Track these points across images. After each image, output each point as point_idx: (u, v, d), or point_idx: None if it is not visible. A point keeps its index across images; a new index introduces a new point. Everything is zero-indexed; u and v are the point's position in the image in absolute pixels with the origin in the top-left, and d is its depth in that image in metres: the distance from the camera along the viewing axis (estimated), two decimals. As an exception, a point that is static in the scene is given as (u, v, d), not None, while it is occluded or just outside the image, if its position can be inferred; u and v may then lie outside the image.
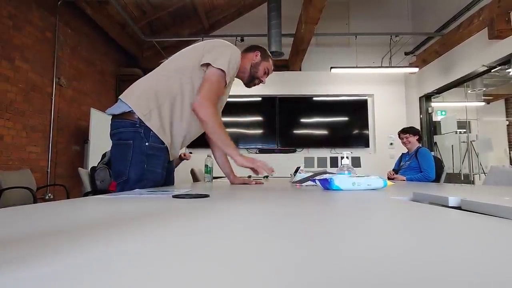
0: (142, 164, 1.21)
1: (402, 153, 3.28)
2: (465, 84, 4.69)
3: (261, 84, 1.54)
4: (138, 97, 1.23)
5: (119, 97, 1.26)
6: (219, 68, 1.25)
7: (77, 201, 0.66)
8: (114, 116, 1.24)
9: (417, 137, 3.08)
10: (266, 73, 1.52)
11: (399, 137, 3.17)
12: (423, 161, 2.88)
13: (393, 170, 3.22)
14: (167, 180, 1.43)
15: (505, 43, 3.55)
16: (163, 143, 1.26)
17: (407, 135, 3.08)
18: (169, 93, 1.25)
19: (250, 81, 1.51)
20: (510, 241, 0.30)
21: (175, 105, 1.27)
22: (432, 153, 5.13)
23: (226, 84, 1.30)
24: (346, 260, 0.22)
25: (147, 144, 1.21)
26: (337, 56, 5.63)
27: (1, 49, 3.34)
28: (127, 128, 1.21)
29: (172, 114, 1.27)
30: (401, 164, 3.17)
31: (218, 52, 1.29)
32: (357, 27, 5.54)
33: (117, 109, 1.23)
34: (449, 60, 4.57)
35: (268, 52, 1.54)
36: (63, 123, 4.25)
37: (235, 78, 1.48)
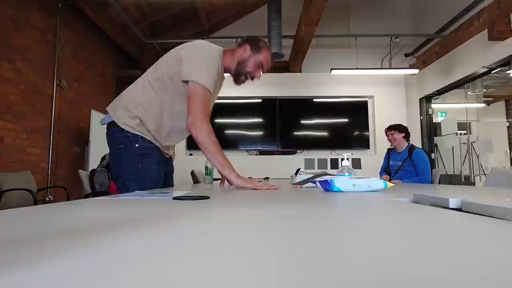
0: (136, 164, 1.26)
1: (389, 149, 3.17)
2: (465, 85, 4.69)
3: (256, 81, 1.39)
4: (121, 108, 1.28)
5: (106, 108, 1.33)
6: (201, 84, 1.21)
7: (78, 203, 0.66)
8: (108, 124, 1.32)
9: (403, 134, 2.97)
10: (261, 67, 1.37)
11: (386, 134, 3.08)
12: (420, 164, 2.79)
13: (384, 169, 3.18)
14: (166, 181, 1.44)
15: (505, 45, 3.56)
16: (149, 143, 1.30)
17: (392, 131, 3.00)
18: (152, 102, 1.28)
19: (237, 78, 1.39)
20: (510, 242, 0.30)
21: (158, 114, 1.28)
22: (432, 154, 5.13)
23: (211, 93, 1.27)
24: (347, 261, 0.22)
25: (137, 145, 1.26)
26: (337, 58, 5.63)
27: (2, 50, 3.34)
28: (117, 134, 1.27)
29: (157, 122, 1.29)
30: (390, 163, 3.09)
31: (197, 62, 1.24)
32: (357, 28, 5.55)
33: (108, 118, 1.31)
34: (449, 62, 4.57)
35: (264, 42, 1.39)
36: (64, 125, 4.25)
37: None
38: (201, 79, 1.22)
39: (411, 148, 2.93)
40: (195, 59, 1.25)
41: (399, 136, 2.98)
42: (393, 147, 3.11)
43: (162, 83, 1.27)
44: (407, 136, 3.01)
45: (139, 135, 1.26)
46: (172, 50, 1.31)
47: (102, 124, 1.35)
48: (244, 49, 1.36)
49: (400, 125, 3.06)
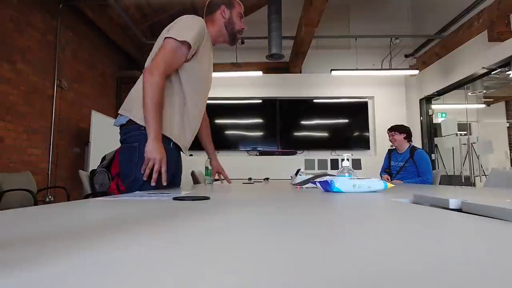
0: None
1: (389, 150, 3.19)
2: (465, 86, 4.70)
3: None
4: (136, 106, 1.26)
5: (119, 112, 1.31)
6: (175, 38, 1.21)
7: (78, 203, 0.66)
8: (122, 125, 1.30)
9: (404, 135, 2.98)
10: (241, 17, 1.46)
11: (388, 134, 3.11)
12: (422, 165, 2.79)
13: (385, 170, 3.19)
14: (174, 181, 1.42)
15: (505, 46, 3.56)
16: (169, 144, 1.29)
17: (393, 132, 3.02)
18: None
19: (233, 39, 1.46)
20: (510, 243, 0.30)
21: (169, 99, 1.28)
22: (433, 155, 5.13)
23: (188, 53, 1.25)
24: (347, 262, 0.22)
25: None
26: (338, 59, 5.64)
27: (3, 51, 3.35)
28: (133, 132, 1.25)
29: (170, 107, 1.29)
30: (391, 163, 3.10)
31: (177, 25, 1.26)
32: (357, 29, 5.56)
33: (123, 119, 1.28)
34: (449, 63, 4.58)
35: None
36: (64, 125, 4.25)
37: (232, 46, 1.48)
38: (175, 34, 1.21)
39: (413, 148, 2.93)
40: (178, 24, 1.27)
41: (399, 137, 2.99)
42: (394, 147, 3.12)
43: None
44: (408, 137, 3.01)
45: None
46: (162, 33, 1.32)
47: (117, 126, 1.32)
48: (221, 11, 1.40)
49: (401, 125, 3.07)
